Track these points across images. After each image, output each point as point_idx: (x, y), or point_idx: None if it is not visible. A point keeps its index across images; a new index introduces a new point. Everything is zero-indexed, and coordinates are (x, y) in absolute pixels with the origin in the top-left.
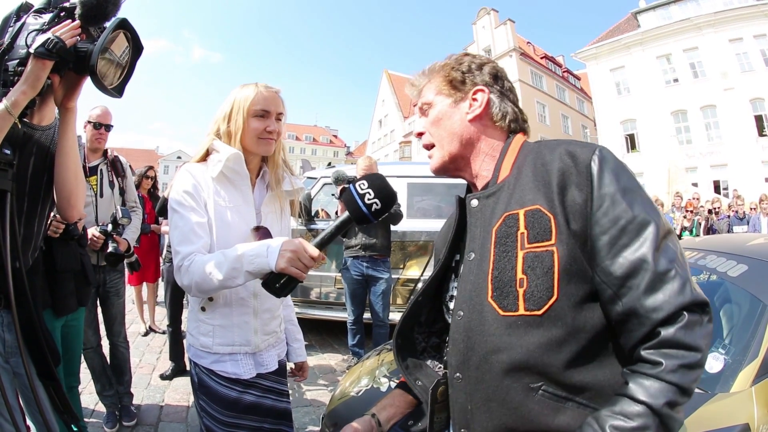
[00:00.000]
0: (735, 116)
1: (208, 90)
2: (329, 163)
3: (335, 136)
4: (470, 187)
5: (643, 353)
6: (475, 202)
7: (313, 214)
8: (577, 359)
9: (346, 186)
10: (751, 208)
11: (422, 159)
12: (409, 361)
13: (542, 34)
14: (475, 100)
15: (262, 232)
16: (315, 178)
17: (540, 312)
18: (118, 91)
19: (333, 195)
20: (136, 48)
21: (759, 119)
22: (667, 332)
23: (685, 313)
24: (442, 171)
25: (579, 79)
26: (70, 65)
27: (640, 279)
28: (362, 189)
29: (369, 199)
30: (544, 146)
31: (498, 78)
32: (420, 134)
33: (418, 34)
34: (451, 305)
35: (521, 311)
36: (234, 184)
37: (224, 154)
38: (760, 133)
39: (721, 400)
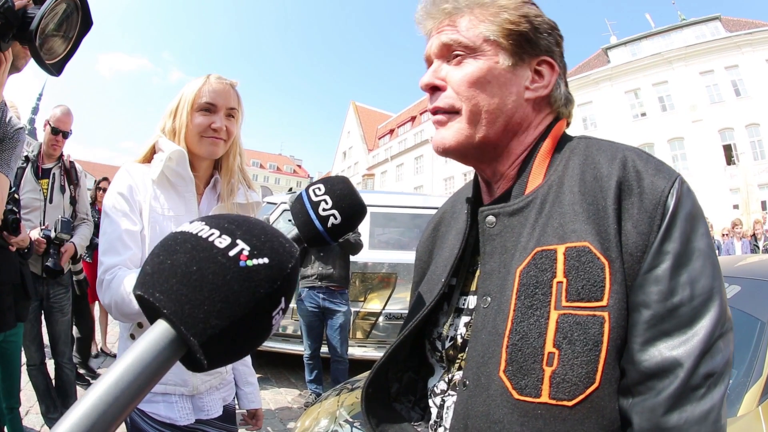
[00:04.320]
0: (703, 147)
1: None
2: (290, 189)
3: (299, 166)
4: (478, 185)
5: None
6: (491, 220)
7: None
8: None
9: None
10: (723, 234)
11: (384, 189)
12: (380, 414)
13: None
14: (539, 74)
15: None
16: (275, 204)
17: (571, 403)
18: (56, 68)
19: (290, 221)
20: (85, 23)
21: (728, 148)
22: None
23: None
24: (455, 153)
25: None
26: (14, 31)
27: (666, 384)
28: (317, 195)
29: (325, 210)
30: (597, 149)
31: (559, 46)
32: (433, 87)
33: (386, 67)
34: (439, 345)
35: (544, 398)
36: (176, 190)
37: (167, 152)
38: (728, 162)
39: (729, 426)
